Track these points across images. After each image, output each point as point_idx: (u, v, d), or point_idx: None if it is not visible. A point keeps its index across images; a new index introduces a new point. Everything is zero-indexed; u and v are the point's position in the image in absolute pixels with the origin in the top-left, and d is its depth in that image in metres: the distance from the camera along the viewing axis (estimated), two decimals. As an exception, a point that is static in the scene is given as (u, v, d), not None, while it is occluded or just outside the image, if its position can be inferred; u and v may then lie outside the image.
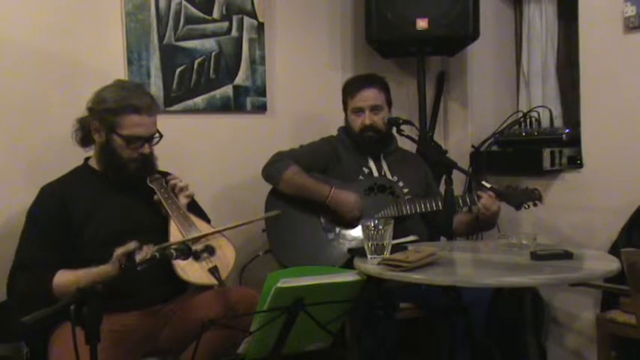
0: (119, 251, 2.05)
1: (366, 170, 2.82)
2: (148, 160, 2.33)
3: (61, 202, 2.24)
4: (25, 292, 2.14)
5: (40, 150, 2.71)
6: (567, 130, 3.17)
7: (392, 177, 2.82)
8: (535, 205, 2.62)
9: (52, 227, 2.20)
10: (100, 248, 2.17)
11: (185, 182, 2.40)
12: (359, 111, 2.80)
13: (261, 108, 3.23)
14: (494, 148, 3.45)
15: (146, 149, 2.30)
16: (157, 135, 2.34)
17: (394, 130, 2.80)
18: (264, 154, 2.82)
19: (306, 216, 2.74)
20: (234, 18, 3.15)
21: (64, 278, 2.12)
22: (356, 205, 2.67)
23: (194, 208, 2.45)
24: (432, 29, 3.11)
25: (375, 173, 2.81)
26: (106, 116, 2.25)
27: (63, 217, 2.21)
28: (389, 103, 2.86)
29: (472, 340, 2.44)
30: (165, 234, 2.25)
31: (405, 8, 3.12)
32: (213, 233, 2.27)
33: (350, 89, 2.85)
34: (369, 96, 2.81)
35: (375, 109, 2.80)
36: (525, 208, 2.60)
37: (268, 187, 2.82)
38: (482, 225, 2.72)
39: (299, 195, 2.73)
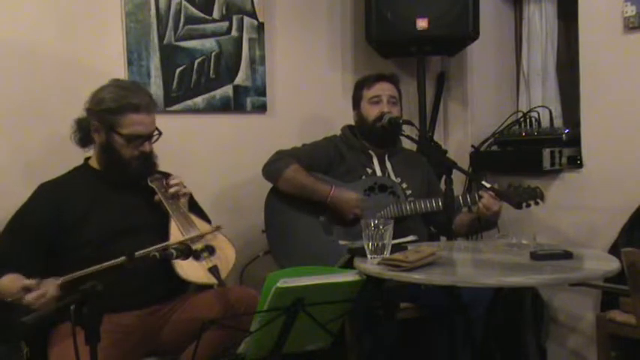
0: (21, 283, 2.00)
1: (369, 170, 2.81)
2: (149, 159, 2.34)
3: (55, 202, 2.24)
4: None
5: (39, 150, 2.71)
6: (567, 130, 3.17)
7: (396, 178, 2.81)
8: (537, 203, 2.62)
9: (35, 229, 2.20)
10: (98, 247, 2.17)
11: (180, 180, 2.39)
12: (376, 100, 2.80)
13: (261, 108, 3.23)
14: (494, 148, 3.45)
15: (146, 147, 2.31)
16: (157, 132, 2.34)
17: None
18: (264, 154, 2.82)
19: (306, 216, 2.74)
20: (234, 18, 3.15)
21: (5, 281, 2.10)
22: (357, 203, 2.67)
23: (194, 208, 2.45)
24: (432, 29, 3.11)
25: (379, 174, 2.81)
26: (106, 116, 2.25)
27: (55, 218, 2.21)
28: (401, 105, 2.88)
29: (472, 340, 2.44)
30: (165, 233, 2.25)
31: (405, 8, 3.12)
32: (209, 233, 2.27)
33: (366, 81, 2.87)
34: (387, 87, 2.84)
35: (392, 99, 2.81)
36: (526, 206, 2.60)
37: (268, 187, 2.82)
38: (483, 225, 2.72)
39: (299, 194, 2.72)
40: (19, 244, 2.19)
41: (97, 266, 2.03)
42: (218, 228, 2.30)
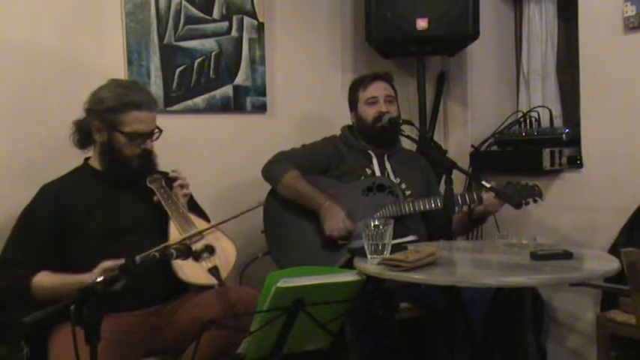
0: (106, 265, 2.02)
1: (368, 171, 2.81)
2: (150, 157, 2.34)
3: (57, 203, 2.24)
4: (2, 289, 2.16)
5: (39, 150, 2.70)
6: (567, 130, 3.17)
7: (395, 178, 2.81)
8: (535, 201, 2.62)
9: (43, 229, 2.20)
10: (99, 246, 2.17)
11: (186, 180, 2.40)
12: (373, 100, 2.80)
13: (261, 108, 3.23)
14: (494, 148, 3.45)
15: (148, 145, 2.32)
16: (157, 130, 2.35)
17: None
18: (264, 154, 2.82)
19: (305, 217, 2.73)
20: (234, 18, 3.15)
21: (44, 280, 2.12)
22: (340, 225, 2.60)
23: (194, 207, 2.45)
24: (432, 29, 3.11)
25: (378, 174, 2.80)
26: (107, 115, 2.26)
27: (58, 218, 2.22)
28: (397, 103, 2.87)
29: (472, 340, 2.44)
30: (165, 233, 2.25)
31: (405, 8, 3.12)
32: (209, 228, 2.27)
33: (361, 82, 2.87)
34: (383, 86, 2.83)
35: (388, 98, 2.81)
36: (525, 204, 2.60)
37: (268, 187, 2.82)
38: (474, 221, 2.72)
39: (295, 200, 2.72)
40: (28, 245, 2.20)
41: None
42: (260, 203, 2.32)
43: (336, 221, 2.61)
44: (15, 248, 2.22)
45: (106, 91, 2.29)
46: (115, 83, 2.35)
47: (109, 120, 2.26)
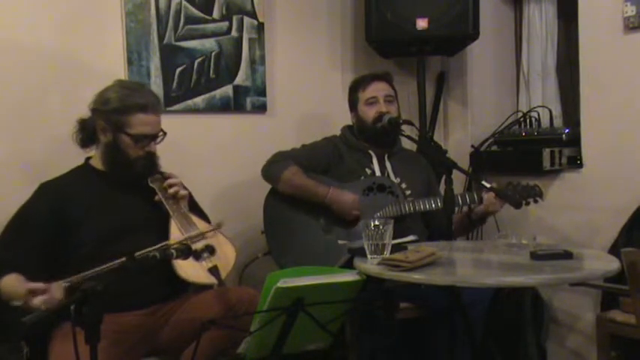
0: (28, 286, 1.98)
1: (368, 171, 2.81)
2: (153, 159, 2.34)
3: (56, 201, 2.24)
4: None
5: (40, 150, 2.71)
6: (567, 130, 3.17)
7: (395, 178, 2.81)
8: (536, 201, 2.63)
9: (38, 229, 2.20)
10: (100, 246, 2.17)
11: (179, 181, 2.38)
12: (373, 101, 2.80)
13: (261, 108, 3.23)
14: (494, 148, 3.45)
15: (152, 147, 2.32)
16: (162, 133, 2.35)
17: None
18: (264, 154, 2.82)
19: (305, 217, 2.74)
20: (234, 18, 3.15)
21: (8, 281, 2.09)
22: (355, 204, 2.67)
23: (194, 208, 2.45)
24: (432, 29, 3.11)
25: (378, 174, 2.80)
26: (113, 116, 2.26)
27: (56, 217, 2.21)
28: (397, 103, 2.87)
29: (472, 340, 2.44)
30: (165, 233, 2.25)
31: (405, 8, 3.12)
32: (207, 232, 2.27)
33: (361, 82, 2.87)
34: (382, 87, 2.83)
35: (388, 98, 2.81)
36: (526, 204, 2.61)
37: (268, 187, 2.82)
38: (474, 222, 2.72)
39: (298, 195, 2.72)
40: (20, 244, 2.19)
41: (101, 267, 2.02)
42: (219, 226, 2.30)
43: (346, 205, 2.64)
44: (6, 247, 2.21)
45: (112, 92, 2.29)
46: (120, 84, 2.35)
47: (114, 121, 2.26)
